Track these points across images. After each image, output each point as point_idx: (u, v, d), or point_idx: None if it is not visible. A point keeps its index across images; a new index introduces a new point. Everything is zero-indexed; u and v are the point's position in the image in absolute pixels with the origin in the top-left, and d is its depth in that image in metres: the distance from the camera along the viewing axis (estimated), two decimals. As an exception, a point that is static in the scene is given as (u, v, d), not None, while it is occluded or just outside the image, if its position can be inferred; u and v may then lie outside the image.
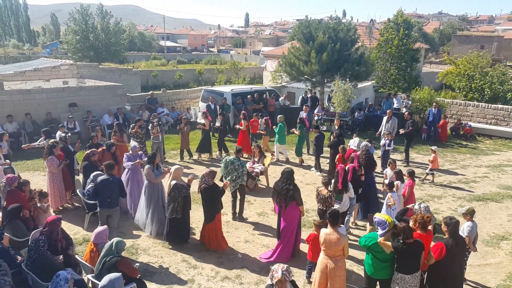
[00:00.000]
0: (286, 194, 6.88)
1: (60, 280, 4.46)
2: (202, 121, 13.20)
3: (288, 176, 7.05)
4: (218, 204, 7.25)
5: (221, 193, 7.26)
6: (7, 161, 9.11)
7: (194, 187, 8.41)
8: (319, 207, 7.32)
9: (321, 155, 12.21)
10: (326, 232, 5.55)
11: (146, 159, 8.45)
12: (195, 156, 13.20)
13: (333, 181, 7.88)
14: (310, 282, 6.33)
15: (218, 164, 12.50)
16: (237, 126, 13.57)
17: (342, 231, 6.37)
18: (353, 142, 10.99)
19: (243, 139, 13.08)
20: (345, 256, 5.61)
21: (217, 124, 13.97)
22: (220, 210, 7.31)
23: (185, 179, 7.66)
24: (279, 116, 13.34)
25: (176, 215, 7.22)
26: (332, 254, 5.49)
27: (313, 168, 12.17)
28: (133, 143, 9.43)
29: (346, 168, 8.26)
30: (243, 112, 13.87)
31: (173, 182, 7.22)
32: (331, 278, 5.47)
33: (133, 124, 11.92)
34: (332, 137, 11.64)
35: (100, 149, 9.34)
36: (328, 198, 7.13)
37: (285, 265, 4.61)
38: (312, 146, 12.86)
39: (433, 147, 11.70)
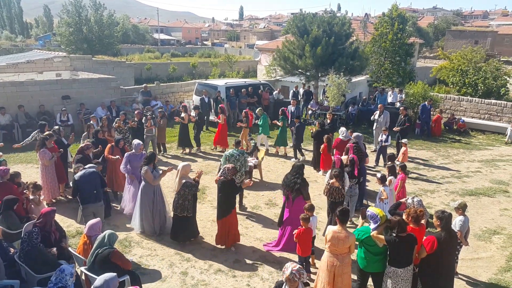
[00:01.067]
0: (293, 187, 6.99)
1: (65, 275, 4.43)
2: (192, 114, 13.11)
3: (297, 169, 7.18)
4: (233, 200, 7.25)
5: (238, 190, 7.29)
6: (0, 153, 9.04)
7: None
8: (331, 200, 7.44)
9: (301, 143, 12.59)
10: (334, 230, 5.49)
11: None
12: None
13: (328, 172, 7.96)
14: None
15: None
16: (215, 120, 13.44)
17: (314, 220, 6.54)
18: (341, 132, 11.08)
19: (220, 133, 13.04)
20: (350, 253, 5.58)
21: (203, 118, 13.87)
22: (234, 206, 7.31)
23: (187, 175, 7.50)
24: (258, 109, 13.58)
25: (187, 214, 7.15)
26: (339, 251, 5.45)
27: (293, 158, 12.49)
28: (136, 140, 8.76)
29: (342, 158, 8.40)
30: (220, 105, 13.85)
31: (183, 180, 7.09)
32: (338, 275, 5.43)
33: (117, 118, 11.75)
34: (315, 127, 11.90)
35: (109, 145, 9.12)
36: (342, 189, 7.33)
37: (298, 265, 4.47)
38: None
39: (404, 140, 11.64)
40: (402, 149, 11.36)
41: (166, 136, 13.32)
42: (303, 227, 6.26)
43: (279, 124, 12.72)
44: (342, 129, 11.08)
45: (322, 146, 10.83)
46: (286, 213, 7.21)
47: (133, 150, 8.53)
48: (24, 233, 5.69)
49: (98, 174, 7.38)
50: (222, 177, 7.11)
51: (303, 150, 12.70)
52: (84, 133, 10.51)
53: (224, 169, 7.21)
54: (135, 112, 12.38)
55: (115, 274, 4.43)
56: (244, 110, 13.62)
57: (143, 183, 7.59)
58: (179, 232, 7.31)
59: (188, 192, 7.04)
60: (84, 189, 7.06)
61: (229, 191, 7.07)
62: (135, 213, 7.77)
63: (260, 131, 13.07)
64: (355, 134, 10.24)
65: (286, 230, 7.20)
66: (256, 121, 13.31)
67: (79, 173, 7.16)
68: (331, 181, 7.44)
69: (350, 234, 5.48)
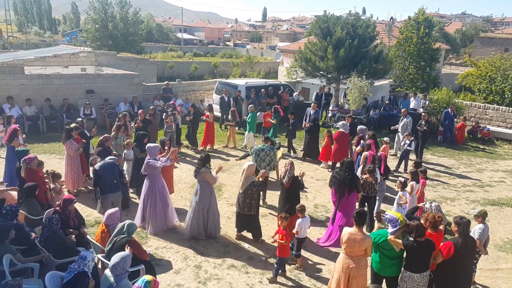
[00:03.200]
0: (350, 183, 7.31)
1: (88, 261, 4.59)
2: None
3: (348, 165, 7.47)
4: (299, 196, 7.57)
5: (303, 186, 7.62)
6: (25, 144, 9.33)
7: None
8: (363, 194, 7.80)
9: (293, 139, 13.04)
10: (350, 232, 5.41)
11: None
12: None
13: (360, 167, 8.54)
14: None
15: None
16: (203, 118, 13.19)
17: (306, 221, 6.58)
18: (341, 125, 11.16)
19: (208, 131, 12.96)
20: (367, 255, 5.48)
21: (229, 116, 13.97)
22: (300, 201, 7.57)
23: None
24: (249, 106, 13.69)
25: (253, 212, 7.23)
26: (355, 253, 5.39)
27: (292, 156, 12.77)
28: (152, 144, 7.90)
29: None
30: (209, 104, 13.85)
31: (249, 179, 7.09)
32: (354, 277, 5.36)
33: (137, 119, 11.43)
34: (305, 123, 12.63)
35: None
36: (375, 185, 7.70)
37: None
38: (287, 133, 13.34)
39: (385, 138, 11.41)
40: (382, 146, 11.06)
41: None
42: (282, 227, 6.31)
43: (273, 122, 12.88)
44: (342, 122, 11.29)
45: (326, 140, 11.45)
46: (340, 209, 7.48)
47: (149, 156, 7.59)
48: (45, 218, 5.86)
49: (116, 165, 7.54)
50: (290, 176, 7.28)
51: (295, 147, 13.12)
52: (113, 133, 10.06)
53: (286, 170, 7.40)
54: (139, 112, 11.84)
55: (129, 252, 4.63)
56: (231, 109, 13.84)
57: (198, 185, 7.22)
58: (245, 226, 7.46)
59: (255, 190, 7.12)
60: (105, 178, 7.18)
61: (297, 187, 7.42)
62: (194, 217, 7.34)
63: (248, 129, 13.04)
64: (360, 127, 10.60)
65: (338, 225, 7.43)
66: (246, 119, 13.43)
67: (99, 163, 7.32)
68: (365, 176, 7.74)
69: (367, 237, 5.39)
